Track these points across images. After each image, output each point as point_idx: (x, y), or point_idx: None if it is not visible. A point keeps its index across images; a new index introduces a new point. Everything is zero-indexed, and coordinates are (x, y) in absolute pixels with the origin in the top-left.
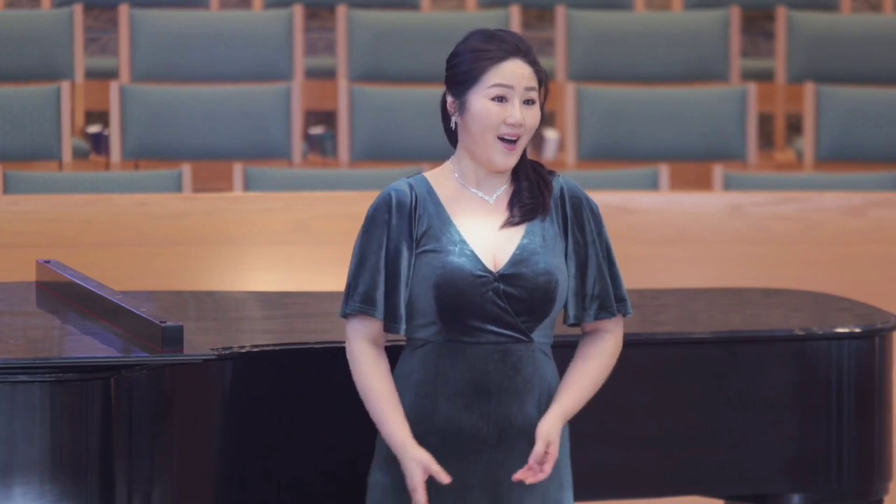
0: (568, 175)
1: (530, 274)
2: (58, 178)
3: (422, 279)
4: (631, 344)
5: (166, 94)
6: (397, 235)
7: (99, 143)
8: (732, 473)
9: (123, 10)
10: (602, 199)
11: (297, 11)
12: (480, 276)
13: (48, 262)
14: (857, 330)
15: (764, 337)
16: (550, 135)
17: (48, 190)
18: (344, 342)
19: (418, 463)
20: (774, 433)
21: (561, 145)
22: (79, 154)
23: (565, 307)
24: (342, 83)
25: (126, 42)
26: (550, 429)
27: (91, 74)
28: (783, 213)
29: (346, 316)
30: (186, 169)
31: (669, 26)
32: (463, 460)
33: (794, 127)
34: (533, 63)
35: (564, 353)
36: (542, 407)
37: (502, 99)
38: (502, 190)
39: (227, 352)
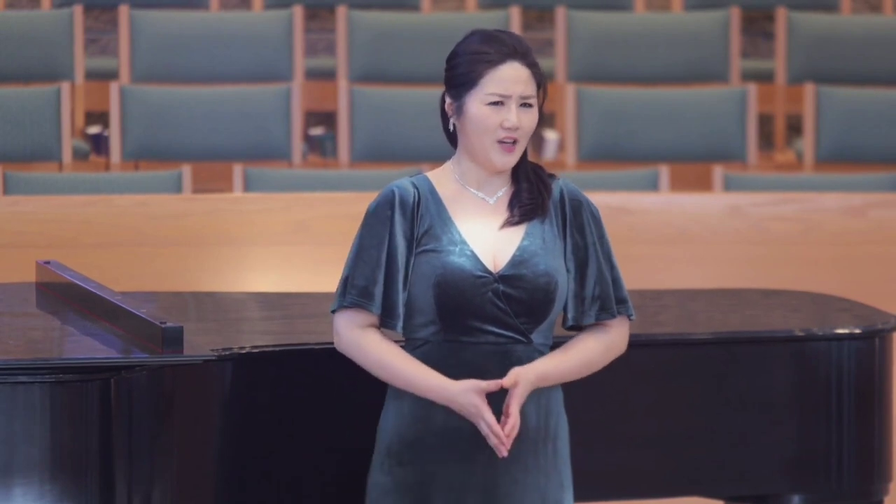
0: (568, 176)
1: (530, 275)
2: (58, 179)
3: (421, 278)
4: (631, 344)
5: (166, 95)
6: (399, 232)
7: (99, 144)
8: (732, 474)
9: (123, 11)
10: (602, 200)
11: (297, 12)
12: (481, 277)
13: (48, 262)
14: (857, 331)
15: (764, 337)
16: (550, 135)
17: (48, 191)
18: None
19: (467, 390)
20: (774, 434)
21: (561, 146)
22: (79, 155)
23: (564, 309)
24: (342, 84)
25: (126, 43)
26: (522, 372)
27: (91, 75)
28: (783, 213)
29: (340, 308)
30: (186, 170)
31: (669, 27)
32: (462, 461)
33: (794, 127)
34: (531, 65)
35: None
36: (541, 406)
37: (499, 103)
38: (503, 191)
39: (227, 352)
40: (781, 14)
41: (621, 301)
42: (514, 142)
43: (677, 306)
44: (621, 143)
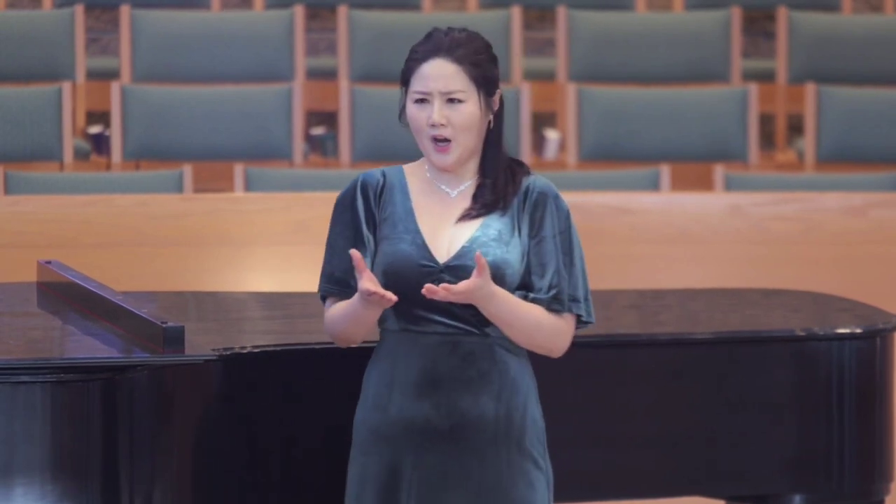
0: (569, 176)
1: (475, 266)
2: (58, 179)
3: (377, 266)
4: (631, 344)
5: (167, 95)
6: (363, 217)
7: (100, 144)
8: (733, 474)
9: (124, 11)
10: (603, 200)
11: (298, 12)
12: (426, 266)
13: (49, 262)
14: (858, 330)
15: (765, 337)
16: (551, 135)
17: (49, 190)
18: None
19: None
20: (775, 434)
21: (562, 146)
22: (80, 154)
23: (523, 287)
24: (343, 83)
25: (127, 42)
26: (486, 276)
27: (92, 75)
28: (784, 213)
29: (322, 298)
30: (187, 169)
31: (670, 27)
32: (416, 451)
33: (795, 127)
34: (459, 60)
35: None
36: (502, 401)
37: (423, 101)
38: (466, 185)
39: (228, 352)
40: (782, 14)
41: (574, 299)
42: (446, 139)
43: (678, 306)
44: (622, 142)
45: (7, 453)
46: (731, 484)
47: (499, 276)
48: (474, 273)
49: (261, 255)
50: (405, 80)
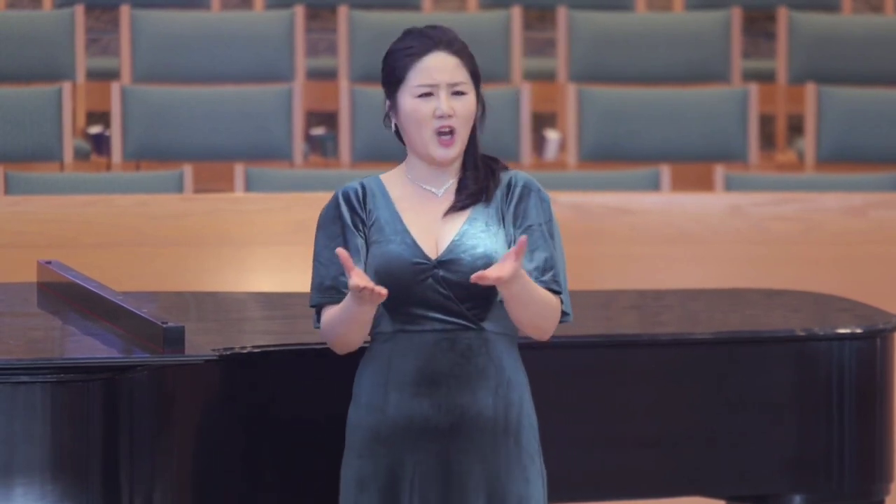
0: (569, 176)
1: (468, 258)
2: (58, 179)
3: (368, 270)
4: (632, 344)
5: (167, 95)
6: (349, 224)
7: (100, 144)
8: (733, 474)
9: (124, 11)
10: (603, 200)
11: (299, 12)
12: (419, 264)
13: (49, 262)
14: (859, 330)
15: (765, 337)
16: (551, 135)
17: (49, 191)
18: None
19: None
20: (775, 434)
21: (562, 146)
22: (80, 155)
23: None
24: (343, 84)
25: (127, 43)
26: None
27: (92, 75)
28: (784, 213)
29: (313, 308)
30: (187, 170)
31: (670, 27)
32: (416, 450)
33: (795, 128)
34: (458, 53)
35: (568, 352)
36: (499, 397)
37: (428, 94)
38: (451, 183)
39: (229, 352)
40: (782, 14)
41: (556, 292)
42: (451, 131)
43: (678, 306)
44: (622, 143)
45: (7, 453)
46: (731, 484)
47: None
48: (513, 252)
49: (261, 255)
50: (398, 79)
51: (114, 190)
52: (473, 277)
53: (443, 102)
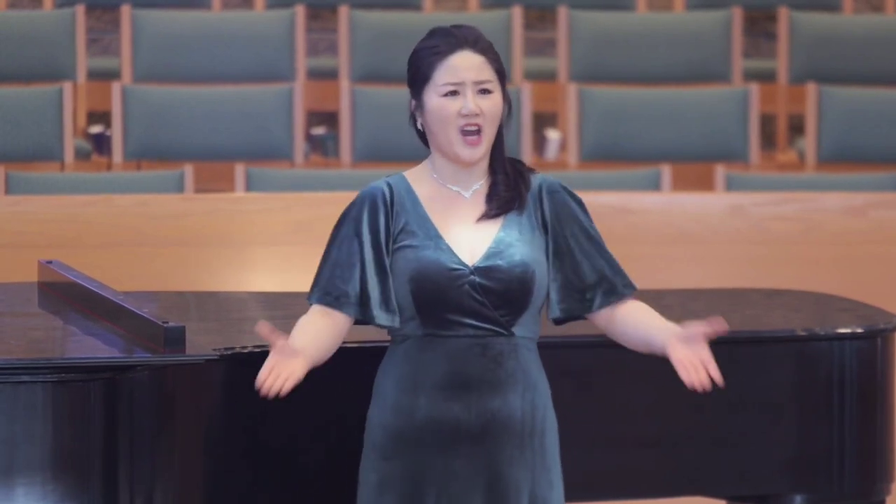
0: (569, 176)
1: (506, 266)
2: (59, 179)
3: (399, 274)
4: None
5: (168, 95)
6: (367, 231)
7: (101, 144)
8: (733, 474)
9: (125, 11)
10: (603, 200)
11: (299, 12)
12: (456, 270)
13: (50, 262)
14: (859, 330)
15: (765, 337)
16: (552, 135)
17: (50, 190)
18: (346, 343)
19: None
20: (775, 433)
21: (562, 146)
22: (80, 155)
23: (555, 303)
24: (344, 84)
25: (128, 42)
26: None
27: (93, 75)
28: (784, 213)
29: (310, 303)
30: (188, 169)
31: (671, 27)
32: (445, 454)
33: (796, 127)
34: (484, 52)
35: (568, 352)
36: (526, 401)
37: (454, 92)
38: (479, 185)
39: (229, 352)
40: (783, 14)
41: (627, 285)
42: (478, 130)
43: (678, 306)
44: (623, 142)
45: (8, 453)
46: (731, 484)
47: (529, 274)
48: (704, 329)
49: (261, 255)
50: (424, 77)
51: (114, 190)
52: (703, 334)
53: (469, 101)
